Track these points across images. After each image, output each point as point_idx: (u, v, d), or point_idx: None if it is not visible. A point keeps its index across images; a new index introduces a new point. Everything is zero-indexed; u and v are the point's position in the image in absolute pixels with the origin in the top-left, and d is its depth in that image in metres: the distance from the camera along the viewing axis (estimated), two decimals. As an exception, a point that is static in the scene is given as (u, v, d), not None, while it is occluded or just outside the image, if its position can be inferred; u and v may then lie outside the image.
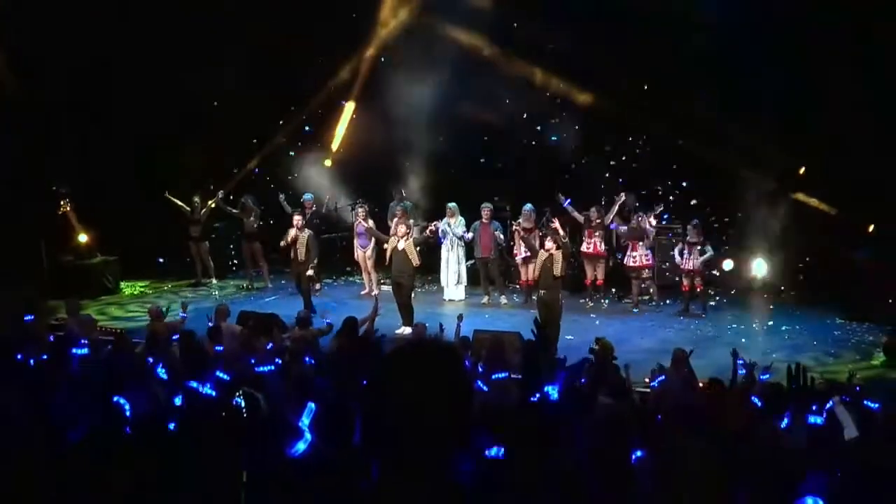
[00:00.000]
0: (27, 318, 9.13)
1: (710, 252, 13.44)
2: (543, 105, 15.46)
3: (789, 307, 13.74)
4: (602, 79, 14.62)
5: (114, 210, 15.09)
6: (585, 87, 15.16)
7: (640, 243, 13.83)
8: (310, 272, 13.25)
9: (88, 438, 4.39)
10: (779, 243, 13.81)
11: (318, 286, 14.60)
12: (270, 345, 8.74)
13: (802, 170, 14.21)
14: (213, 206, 15.54)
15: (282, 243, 13.42)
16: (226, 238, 16.53)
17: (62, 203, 15.13)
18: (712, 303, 13.96)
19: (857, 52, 13.00)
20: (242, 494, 3.84)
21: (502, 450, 3.77)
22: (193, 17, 14.96)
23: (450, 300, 14.38)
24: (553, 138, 15.11)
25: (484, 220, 14.05)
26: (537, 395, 4.18)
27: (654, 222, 14.12)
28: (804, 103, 13.29)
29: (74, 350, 7.34)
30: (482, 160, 15.84)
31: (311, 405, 4.51)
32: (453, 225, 14.16)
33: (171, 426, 4.66)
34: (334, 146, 16.38)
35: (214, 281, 15.72)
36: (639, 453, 4.32)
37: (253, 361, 7.47)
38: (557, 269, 11.06)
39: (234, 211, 15.53)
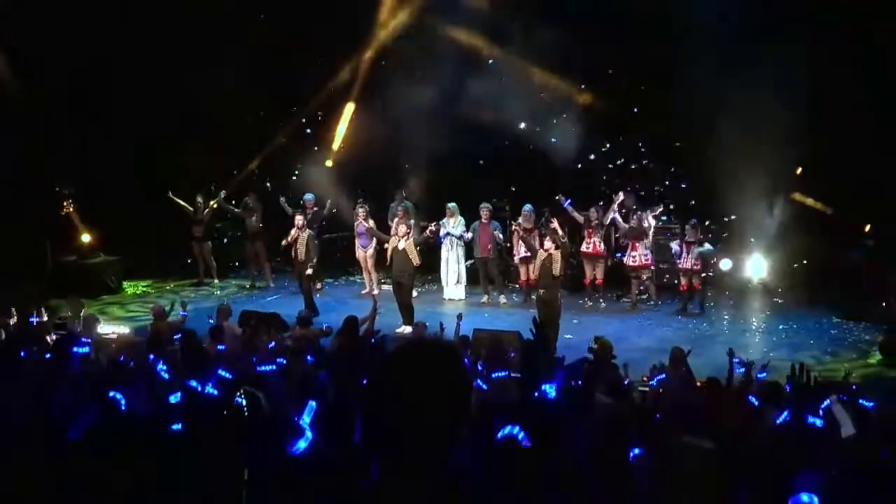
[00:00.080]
0: (32, 319, 9.18)
1: (709, 246, 13.49)
2: (543, 105, 15.47)
3: (786, 306, 13.77)
4: (602, 79, 14.66)
5: (114, 210, 15.12)
6: (585, 87, 15.21)
7: (640, 243, 13.87)
8: (308, 271, 13.30)
9: (88, 437, 4.41)
10: (776, 243, 13.85)
11: (318, 286, 14.64)
12: (272, 344, 8.77)
13: (799, 170, 14.22)
14: (215, 206, 15.58)
15: (283, 242, 13.51)
16: (227, 238, 16.56)
17: (65, 203, 15.17)
18: (710, 303, 13.99)
19: (857, 52, 13.03)
20: (244, 493, 3.86)
21: (516, 427, 3.75)
22: (193, 17, 14.99)
23: (449, 299, 14.42)
24: (553, 139, 15.12)
25: (483, 221, 14.09)
26: (535, 394, 4.20)
27: (653, 222, 14.14)
28: (804, 103, 13.31)
29: (75, 349, 7.37)
30: (481, 161, 15.85)
31: (312, 403, 4.53)
32: (452, 225, 14.21)
33: (172, 425, 4.68)
34: (335, 146, 16.40)
35: (216, 281, 15.76)
36: (637, 451, 4.34)
37: (255, 360, 7.50)
38: (556, 269, 11.11)
39: (237, 210, 15.57)
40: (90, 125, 15.36)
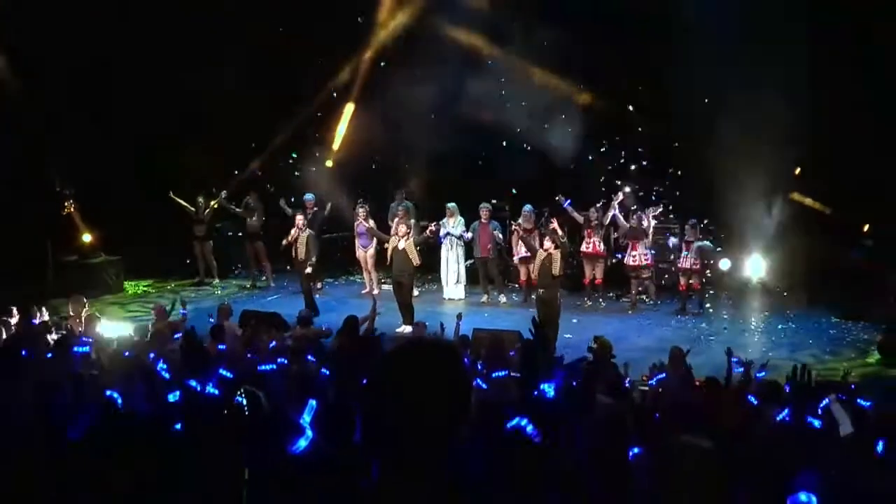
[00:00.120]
0: (33, 319, 9.18)
1: (709, 244, 13.52)
2: (543, 105, 15.46)
3: (785, 306, 13.77)
4: (602, 79, 14.65)
5: (115, 210, 15.12)
6: (585, 87, 15.21)
7: (640, 243, 13.88)
8: (308, 270, 13.32)
9: (88, 437, 4.42)
10: (775, 243, 13.85)
11: (318, 285, 14.66)
12: (273, 343, 8.78)
13: (798, 170, 14.23)
14: (216, 206, 15.60)
15: (283, 242, 13.55)
16: (228, 238, 16.56)
17: (66, 203, 15.18)
18: (709, 303, 13.99)
19: (857, 52, 13.03)
20: (244, 492, 3.86)
21: (524, 419, 3.75)
22: (193, 17, 14.99)
23: (449, 299, 14.43)
24: (553, 140, 15.12)
25: (483, 221, 14.11)
26: (535, 394, 4.21)
27: (653, 222, 14.15)
28: (804, 103, 13.31)
29: (76, 349, 7.38)
30: (480, 162, 15.86)
31: (313, 402, 4.54)
32: (452, 225, 14.22)
33: (173, 425, 4.69)
34: (335, 146, 16.41)
35: (217, 280, 15.77)
36: (636, 450, 4.35)
37: (255, 360, 7.50)
38: (556, 269, 11.13)
39: (238, 210, 15.58)
40: (90, 125, 15.34)
